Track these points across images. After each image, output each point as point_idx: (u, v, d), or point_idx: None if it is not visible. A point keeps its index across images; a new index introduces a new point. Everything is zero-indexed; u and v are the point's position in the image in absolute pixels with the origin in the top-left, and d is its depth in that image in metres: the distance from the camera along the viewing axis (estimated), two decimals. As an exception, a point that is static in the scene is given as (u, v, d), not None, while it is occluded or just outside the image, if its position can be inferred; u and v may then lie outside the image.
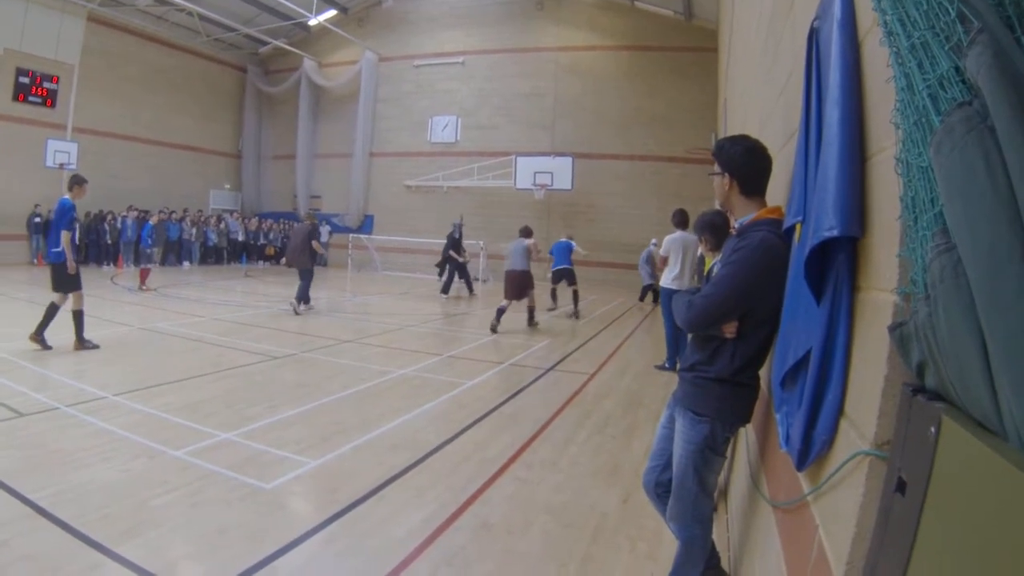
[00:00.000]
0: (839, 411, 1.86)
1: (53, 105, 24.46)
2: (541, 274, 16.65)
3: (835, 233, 1.79)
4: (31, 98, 23.72)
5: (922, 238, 1.22)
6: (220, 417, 6.79)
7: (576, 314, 16.44)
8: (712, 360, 3.23)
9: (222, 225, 29.37)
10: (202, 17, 28.83)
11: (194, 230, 27.49)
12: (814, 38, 2.42)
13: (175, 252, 26.57)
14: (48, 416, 6.44)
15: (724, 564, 3.92)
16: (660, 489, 3.70)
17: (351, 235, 29.63)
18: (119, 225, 24.10)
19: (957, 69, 1.05)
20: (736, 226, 3.28)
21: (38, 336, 9.61)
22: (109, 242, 24.09)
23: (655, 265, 19.09)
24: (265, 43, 33.05)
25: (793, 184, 2.60)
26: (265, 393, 7.92)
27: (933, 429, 1.19)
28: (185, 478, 5.18)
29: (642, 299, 20.81)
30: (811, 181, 2.18)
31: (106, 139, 26.54)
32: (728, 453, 3.88)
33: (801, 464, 2.05)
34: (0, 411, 6.46)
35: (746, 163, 3.17)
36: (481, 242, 24.57)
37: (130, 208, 24.65)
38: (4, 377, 7.68)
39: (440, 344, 12.42)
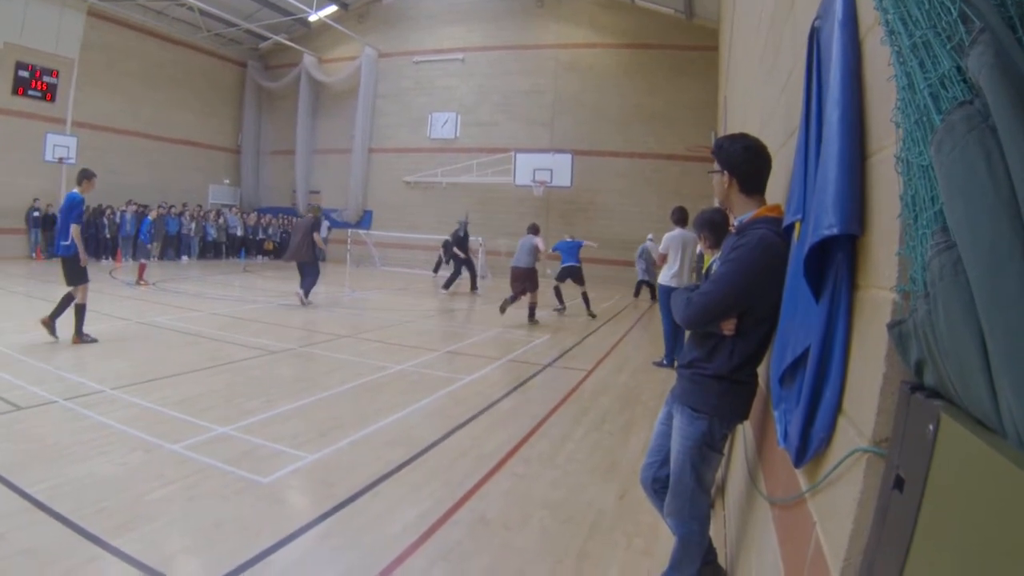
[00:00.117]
0: (837, 408, 1.86)
1: (53, 99, 24.41)
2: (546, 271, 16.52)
3: (835, 231, 1.78)
4: (31, 92, 23.67)
5: (922, 236, 1.22)
6: (217, 411, 6.79)
7: (591, 314, 16.26)
8: (711, 357, 3.24)
9: (221, 220, 29.35)
10: (202, 12, 28.81)
11: (193, 225, 27.45)
12: (815, 37, 2.41)
13: (174, 247, 26.55)
14: (46, 410, 6.44)
15: (721, 560, 3.93)
16: (657, 485, 3.70)
17: (350, 230, 29.64)
18: (118, 220, 24.09)
19: (959, 68, 1.05)
20: (735, 224, 3.28)
21: (51, 320, 9.69)
22: (108, 236, 24.06)
23: (651, 261, 19.06)
24: (265, 38, 32.98)
25: (792, 182, 2.60)
26: (262, 387, 7.93)
27: (932, 427, 1.19)
28: (182, 472, 5.18)
29: (636, 295, 20.78)
30: (811, 179, 2.18)
31: (105, 133, 26.50)
32: (726, 450, 3.88)
33: (799, 461, 2.05)
34: (-3, 404, 6.45)
35: (745, 161, 3.17)
36: (480, 238, 24.57)
37: (129, 203, 24.63)
38: (2, 371, 7.67)
39: (438, 340, 12.44)
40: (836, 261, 1.89)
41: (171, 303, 14.76)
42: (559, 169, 26.05)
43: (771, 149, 3.26)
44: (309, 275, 15.52)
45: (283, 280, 20.81)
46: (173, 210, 26.54)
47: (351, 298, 17.82)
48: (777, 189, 3.44)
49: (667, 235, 10.19)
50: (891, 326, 1.42)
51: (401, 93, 31.48)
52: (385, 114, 31.83)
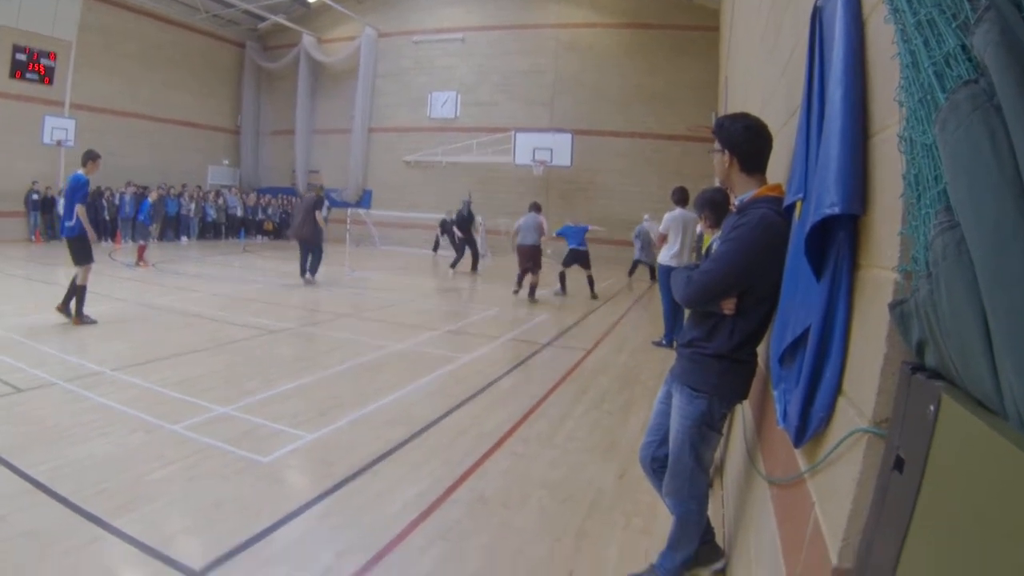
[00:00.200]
0: (837, 388, 1.86)
1: (51, 82, 24.22)
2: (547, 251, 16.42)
3: (836, 210, 1.77)
4: (28, 75, 23.47)
5: (924, 216, 1.22)
6: (217, 391, 6.80)
7: (595, 295, 16.21)
8: (710, 336, 3.23)
9: (220, 200, 29.26)
10: (200, -7, 28.66)
11: (192, 205, 27.37)
12: (817, 16, 2.40)
13: (173, 228, 26.46)
14: (46, 391, 6.45)
15: (719, 540, 3.94)
16: (656, 464, 3.70)
17: (349, 210, 29.60)
18: (117, 201, 24.00)
19: (964, 47, 1.04)
20: (736, 203, 3.27)
21: (64, 306, 9.74)
22: (107, 218, 23.96)
23: (648, 241, 18.98)
24: (264, 19, 32.71)
25: (794, 162, 2.59)
26: (262, 367, 7.93)
27: (932, 407, 1.18)
28: (182, 452, 5.19)
29: (630, 274, 20.71)
30: (812, 159, 2.17)
31: (104, 115, 26.31)
32: (724, 430, 3.89)
33: (798, 441, 2.05)
34: (-2, 386, 6.46)
35: (746, 140, 3.16)
36: (480, 218, 24.51)
37: (128, 184, 24.52)
38: (2, 353, 7.67)
39: (438, 319, 12.45)
40: (837, 240, 1.88)
41: (171, 284, 14.75)
42: (559, 149, 25.96)
43: (772, 129, 3.24)
44: (314, 254, 15.76)
45: (282, 260, 20.79)
46: (172, 191, 26.43)
47: (351, 277, 17.79)
48: (778, 169, 3.43)
49: (667, 215, 10.16)
50: (892, 306, 1.42)
51: (401, 73, 31.31)
52: (385, 94, 31.68)
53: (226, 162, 33.74)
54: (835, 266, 1.89)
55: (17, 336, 8.60)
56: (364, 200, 31.45)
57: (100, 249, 18.96)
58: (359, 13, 31.03)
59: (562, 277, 16.39)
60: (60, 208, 22.18)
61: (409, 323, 11.64)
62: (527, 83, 28.77)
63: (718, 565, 3.80)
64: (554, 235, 16.22)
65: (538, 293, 15.33)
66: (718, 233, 3.76)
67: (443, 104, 30.32)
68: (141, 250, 17.60)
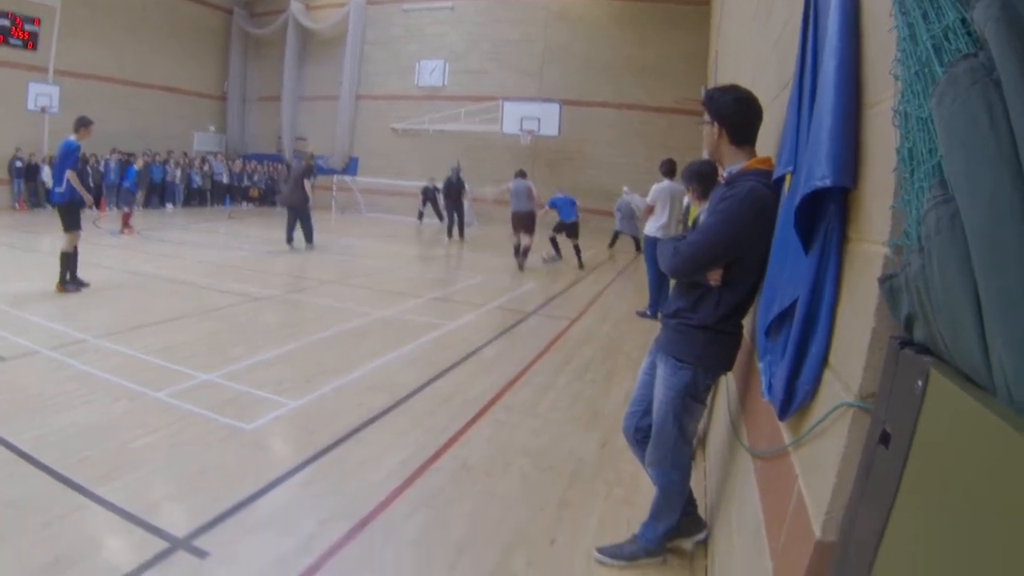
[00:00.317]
0: (823, 362, 1.86)
1: (34, 48, 23.71)
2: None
3: (827, 183, 1.77)
4: (12, 41, 22.96)
5: (918, 190, 1.21)
6: (201, 358, 6.77)
7: (581, 265, 16.24)
8: (696, 307, 3.24)
9: (206, 167, 28.98)
10: (186, -44, 28.19)
11: (178, 172, 27.09)
12: (813, -12, 2.38)
13: (158, 194, 26.18)
14: (29, 360, 6.40)
15: (701, 511, 3.96)
16: (639, 435, 3.72)
17: (335, 177, 29.40)
18: (102, 168, 23.70)
19: (963, 21, 1.03)
20: (725, 176, 3.26)
21: (73, 278, 9.77)
22: (92, 185, 23.55)
23: (629, 212, 19.01)
24: (251, -17, 32.38)
25: (784, 134, 2.58)
26: (246, 334, 7.91)
27: (920, 383, 1.18)
28: (165, 420, 5.17)
29: (611, 245, 20.68)
30: (803, 131, 2.16)
31: (89, 81, 25.81)
32: (708, 401, 3.90)
33: (783, 414, 2.06)
34: (-20, 353, 6.41)
35: (736, 112, 3.14)
36: (469, 186, 24.42)
37: (113, 151, 24.23)
38: (-16, 319, 7.60)
39: (423, 286, 12.43)
40: (828, 214, 1.88)
41: (156, 251, 14.64)
42: (547, 118, 25.83)
43: (762, 102, 3.22)
44: (303, 221, 16.02)
45: (268, 227, 20.65)
46: (158, 158, 26.14)
47: (336, 244, 17.73)
48: (768, 143, 3.41)
49: (655, 187, 10.13)
50: (882, 280, 1.41)
51: (390, 40, 30.99)
52: (373, 61, 31.36)
53: (212, 128, 33.35)
54: (824, 239, 1.89)
55: (0, 304, 8.53)
56: (350, 167, 31.25)
57: (85, 216, 18.82)
58: (348, -21, 30.69)
59: (554, 242, 16.39)
60: (45, 175, 22.08)
61: (394, 290, 11.62)
62: (516, 52, 28.54)
63: (700, 536, 3.83)
64: (546, 206, 16.24)
65: (527, 261, 15.39)
66: (705, 205, 3.75)
67: (431, 72, 30.06)
68: (126, 217, 17.43)
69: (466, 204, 20.52)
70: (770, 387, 2.24)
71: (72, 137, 9.67)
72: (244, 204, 30.02)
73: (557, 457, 5.06)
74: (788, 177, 2.40)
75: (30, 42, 23.50)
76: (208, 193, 28.76)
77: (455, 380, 6.74)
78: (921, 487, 1.15)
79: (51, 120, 23.18)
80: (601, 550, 3.72)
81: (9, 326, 7.45)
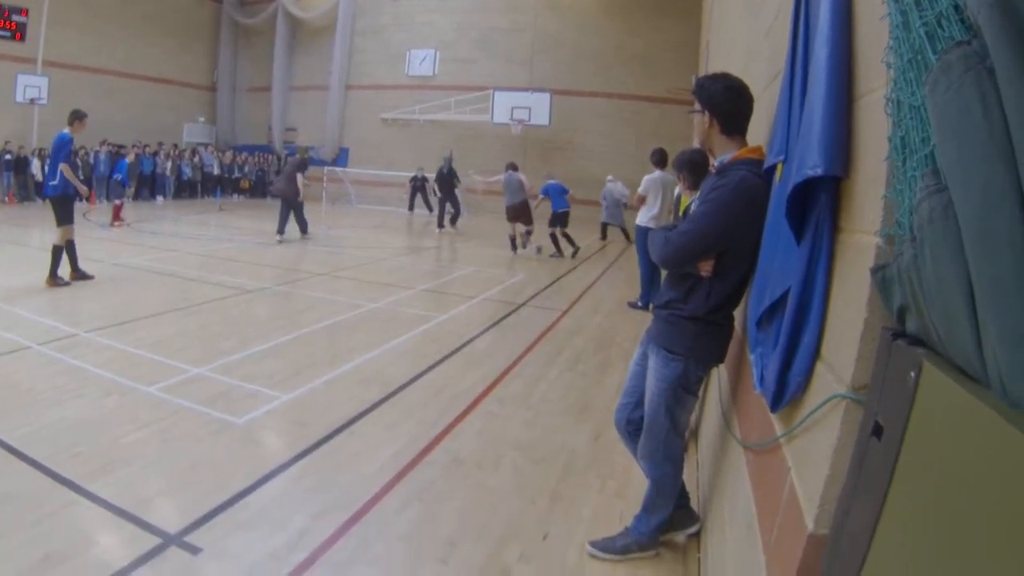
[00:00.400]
0: (815, 353, 1.85)
1: (22, 39, 23.55)
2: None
3: (819, 172, 1.75)
4: (0, 32, 22.99)
5: (910, 179, 1.20)
6: (192, 352, 6.75)
7: (571, 253, 16.32)
8: (687, 298, 3.23)
9: (196, 159, 28.87)
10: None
11: (168, 164, 26.95)
12: (804, -24, 2.36)
13: (149, 186, 26.07)
14: (19, 355, 6.37)
15: (693, 504, 3.96)
16: (631, 427, 3.71)
17: (326, 168, 29.33)
18: (92, 160, 23.58)
19: (956, 7, 1.01)
20: (716, 165, 3.24)
21: (76, 273, 9.86)
22: (82, 177, 23.45)
23: (614, 202, 19.10)
24: (241, -27, 32.19)
25: (775, 123, 2.57)
26: (237, 327, 7.89)
27: (913, 374, 1.17)
28: (157, 414, 5.16)
29: (603, 237, 20.70)
30: (795, 120, 2.15)
31: (77, 73, 25.68)
32: (700, 393, 3.89)
33: (775, 406, 2.05)
34: (-31, 349, 6.37)
35: (727, 101, 3.13)
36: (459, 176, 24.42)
37: (103, 143, 24.13)
38: (-28, 315, 7.56)
39: (413, 278, 12.39)
40: (819, 203, 1.87)
41: (146, 244, 14.59)
42: (537, 108, 25.84)
43: (754, 91, 3.21)
44: (295, 212, 16.26)
45: (259, 219, 20.64)
46: (148, 149, 26.00)
47: (327, 236, 17.70)
48: (759, 131, 3.40)
49: (647, 177, 10.12)
50: (874, 271, 1.40)
51: (379, 29, 30.90)
52: (363, 51, 31.27)
53: (202, 119, 33.21)
54: (816, 229, 1.88)
55: (-12, 297, 8.48)
56: (341, 158, 31.20)
57: (75, 209, 18.75)
58: (337, -32, 30.57)
59: (554, 239, 16.39)
60: (34, 168, 21.96)
61: (385, 282, 11.61)
62: (506, 41, 28.50)
63: (692, 529, 3.83)
64: (539, 195, 16.29)
65: (520, 252, 15.68)
66: (696, 195, 3.74)
67: (421, 61, 30.01)
68: (117, 209, 17.40)
69: (459, 195, 20.47)
70: (762, 379, 2.23)
71: (66, 130, 9.67)
72: (235, 196, 29.95)
73: (549, 449, 5.06)
74: (779, 166, 2.39)
75: (18, 33, 23.37)
76: (199, 185, 28.72)
77: (446, 372, 6.73)
78: (914, 480, 1.14)
79: (40, 112, 23.06)
80: (594, 543, 3.72)
81: (-2, 321, 7.40)
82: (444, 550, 3.66)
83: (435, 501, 4.17)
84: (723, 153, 3.17)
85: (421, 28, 30.04)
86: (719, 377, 4.25)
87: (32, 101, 23.08)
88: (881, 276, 1.36)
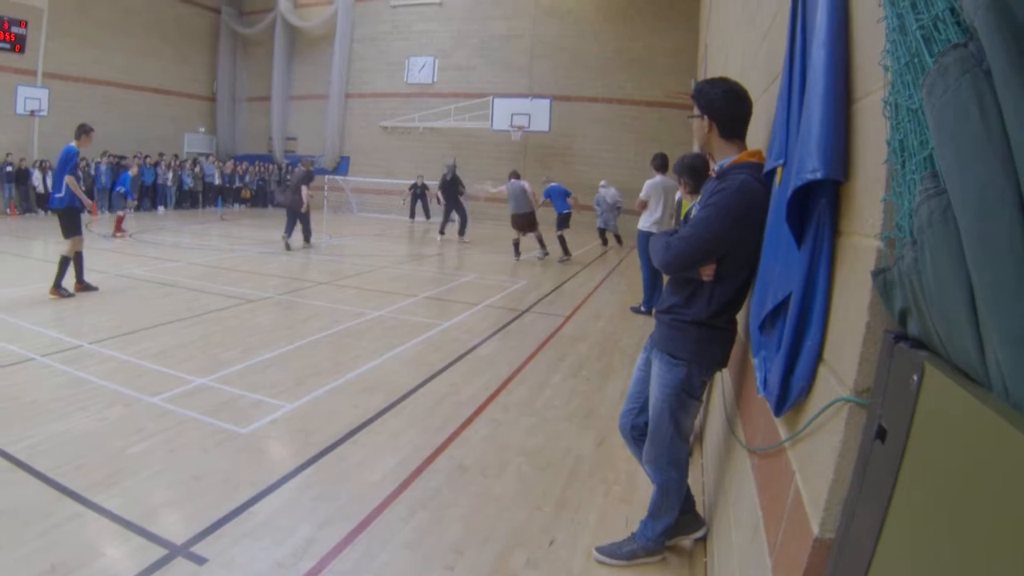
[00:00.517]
0: (818, 357, 1.85)
1: (22, 51, 23.53)
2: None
3: (818, 176, 1.76)
4: (0, 44, 23.03)
5: (909, 182, 1.20)
6: (196, 362, 6.75)
7: (563, 258, 16.50)
8: (689, 303, 3.22)
9: (197, 169, 28.88)
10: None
11: (170, 174, 26.99)
12: (801, -21, 2.37)
13: (150, 197, 26.09)
14: (23, 367, 6.37)
15: (699, 509, 3.96)
16: (636, 432, 3.71)
17: (327, 177, 29.34)
18: (93, 171, 23.60)
19: (952, 10, 1.02)
20: (716, 169, 3.24)
21: (81, 285, 9.92)
22: (83, 188, 23.44)
23: (607, 207, 19.24)
24: (238, -18, 32.23)
25: (775, 127, 2.57)
26: (240, 337, 7.89)
27: (916, 377, 1.17)
28: (161, 425, 5.16)
29: (605, 243, 20.72)
30: (794, 124, 2.15)
31: (77, 84, 25.70)
32: (704, 397, 3.89)
33: (779, 410, 2.05)
34: (-28, 361, 6.38)
35: (725, 105, 3.13)
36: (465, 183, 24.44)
37: (104, 154, 24.16)
38: (-25, 327, 7.56)
39: (416, 285, 12.39)
40: (819, 207, 1.87)
41: (148, 254, 14.59)
42: (537, 114, 25.82)
43: (753, 95, 3.21)
44: (301, 221, 16.56)
45: (261, 228, 20.67)
46: (149, 160, 26.02)
47: (329, 244, 17.73)
48: (759, 135, 3.40)
49: (648, 182, 10.14)
50: (875, 274, 1.40)
51: (378, 38, 30.93)
52: (362, 59, 31.30)
53: (202, 130, 33.24)
54: (816, 233, 1.88)
55: (-9, 310, 8.49)
56: (341, 167, 31.21)
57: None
58: (335, -23, 30.62)
59: (562, 241, 16.51)
60: (35, 179, 21.99)
61: (387, 290, 11.61)
62: (505, 48, 28.52)
63: (699, 534, 3.82)
64: (542, 199, 16.52)
65: (525, 256, 15.93)
66: (697, 199, 3.74)
67: (420, 69, 30.02)
68: (119, 220, 17.44)
69: (464, 203, 20.45)
70: (765, 383, 2.23)
71: (73, 143, 9.75)
72: (236, 205, 29.95)
73: (554, 456, 5.06)
74: (779, 170, 2.39)
75: (17, 44, 23.33)
76: (200, 195, 28.69)
77: (450, 380, 6.73)
78: (918, 483, 1.14)
79: (40, 123, 23.10)
80: (600, 549, 3.71)
81: (2, 333, 7.42)
82: (450, 557, 3.65)
83: (440, 509, 4.16)
84: (723, 157, 3.17)
85: (419, 36, 30.06)
86: (723, 381, 4.25)
87: (32, 113, 23.05)
88: (882, 279, 1.36)
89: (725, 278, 3.10)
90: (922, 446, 1.14)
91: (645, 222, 10.02)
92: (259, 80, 33.41)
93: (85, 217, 19.97)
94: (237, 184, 30.46)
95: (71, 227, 9.71)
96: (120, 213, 17.71)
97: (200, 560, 3.45)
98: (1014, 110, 0.84)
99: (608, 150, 26.30)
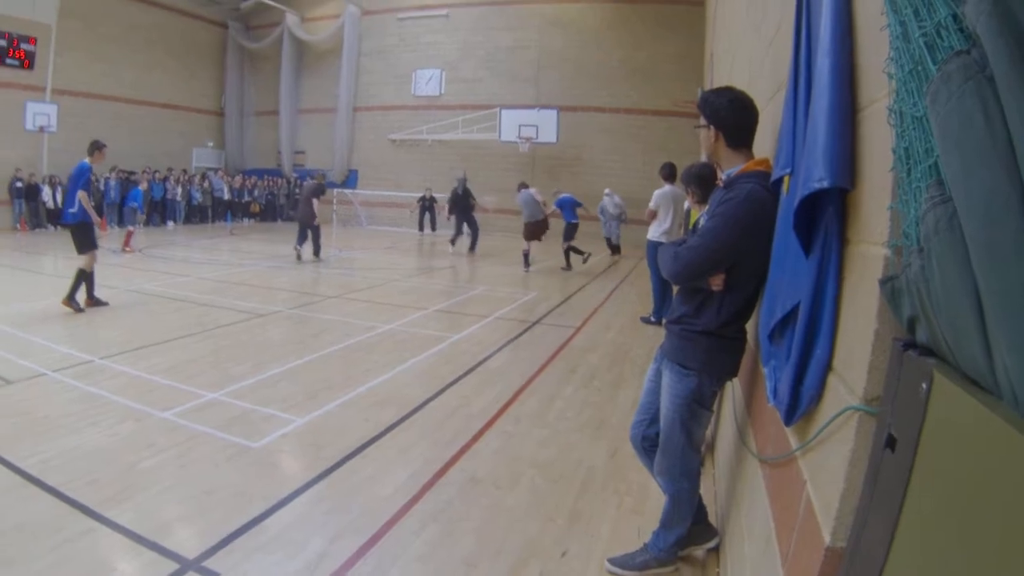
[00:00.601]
0: (827, 366, 1.85)
1: (31, 67, 23.74)
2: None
3: (825, 184, 1.76)
4: (8, 61, 22.99)
5: (915, 190, 1.20)
6: (207, 377, 6.77)
7: (569, 267, 16.82)
8: (699, 313, 3.22)
9: (206, 183, 29.01)
10: (180, -27, 28.26)
11: (179, 189, 27.12)
12: (805, -13, 2.37)
13: (159, 212, 26.24)
14: (35, 382, 6.39)
15: (711, 519, 3.95)
16: (647, 443, 3.71)
17: (336, 190, 29.42)
18: (102, 187, 23.72)
19: (955, 17, 1.02)
20: (723, 178, 3.24)
21: (91, 300, 9.99)
22: (93, 204, 23.56)
23: (610, 216, 19.33)
24: (245, -2, 32.40)
25: (781, 136, 2.57)
26: (251, 351, 7.90)
27: (924, 385, 1.17)
28: (173, 440, 5.17)
29: (615, 252, 20.70)
30: (800, 133, 2.15)
31: (86, 100, 25.91)
32: (715, 407, 3.88)
33: (789, 419, 2.04)
34: (-16, 377, 6.40)
35: (731, 115, 3.13)
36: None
37: (113, 169, 24.31)
38: (-12, 343, 7.60)
39: (426, 298, 12.40)
40: (826, 215, 1.87)
41: (158, 269, 14.66)
42: (544, 125, 25.86)
43: (759, 103, 3.21)
44: (312, 235, 16.79)
45: (270, 242, 20.74)
46: (158, 175, 26.17)
47: (338, 258, 17.77)
48: (765, 144, 3.40)
49: (657, 191, 10.14)
50: (883, 282, 1.40)
51: (385, 50, 31.06)
52: (369, 72, 31.43)
53: (210, 144, 33.40)
54: (824, 242, 1.88)
55: (4, 327, 8.51)
56: (350, 180, 31.30)
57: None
58: (341, -10, 30.76)
59: (575, 251, 16.74)
60: (45, 195, 22.14)
61: (397, 303, 11.62)
62: (512, 59, 28.60)
63: (711, 544, 3.81)
64: (553, 207, 16.83)
65: (534, 268, 16.14)
66: (705, 209, 3.74)
67: (428, 81, 30.13)
68: (129, 235, 17.53)
69: (476, 216, 20.49)
70: (775, 392, 2.23)
71: (86, 159, 9.85)
72: (245, 220, 30.06)
73: (566, 467, 5.05)
74: (786, 179, 2.39)
75: (26, 61, 23.55)
76: (209, 209, 28.83)
77: (461, 392, 6.73)
78: (928, 491, 1.14)
79: (49, 139, 23.35)
80: (612, 560, 3.70)
81: (14, 348, 7.45)
82: (463, 571, 3.65)
83: (452, 522, 4.15)
84: (730, 166, 3.17)
85: (426, 48, 30.19)
86: (733, 391, 4.24)
87: (41, 129, 23.25)
88: (890, 287, 1.36)
89: (734, 288, 3.10)
90: (932, 454, 1.14)
91: (654, 232, 10.02)
92: (267, 94, 33.60)
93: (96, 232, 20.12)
94: (246, 198, 30.59)
95: (85, 242, 9.79)
96: (131, 228, 17.81)
97: (212, 575, 3.45)
98: (1018, 116, 0.84)
99: (616, 160, 26.33)
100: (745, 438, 3.35)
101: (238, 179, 30.75)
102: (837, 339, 1.82)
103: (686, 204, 9.49)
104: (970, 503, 0.97)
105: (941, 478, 1.09)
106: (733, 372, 3.38)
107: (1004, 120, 0.87)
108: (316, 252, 16.95)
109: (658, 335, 4.98)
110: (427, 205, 26.43)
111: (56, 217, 21.89)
